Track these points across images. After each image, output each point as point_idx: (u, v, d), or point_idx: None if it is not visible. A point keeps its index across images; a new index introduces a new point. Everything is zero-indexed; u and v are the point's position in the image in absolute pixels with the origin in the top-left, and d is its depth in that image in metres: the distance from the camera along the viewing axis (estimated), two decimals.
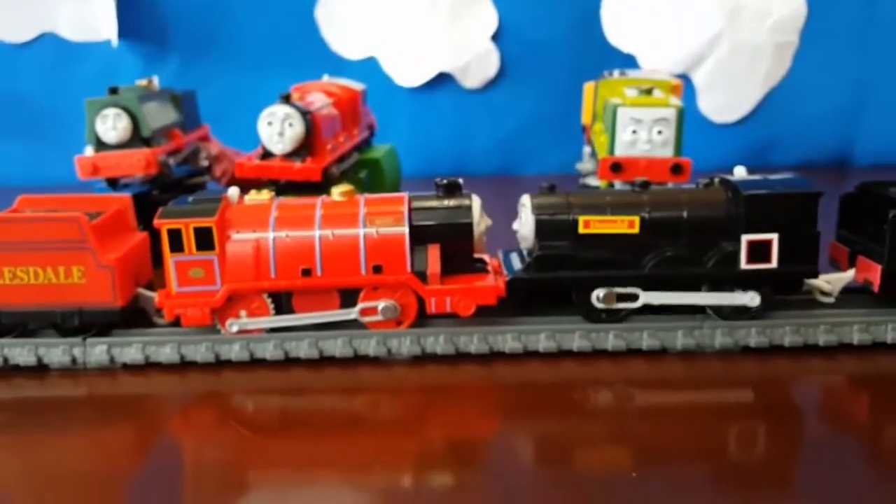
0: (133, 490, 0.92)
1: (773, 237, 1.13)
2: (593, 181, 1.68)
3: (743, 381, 1.11)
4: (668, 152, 1.45)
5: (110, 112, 1.47)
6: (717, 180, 1.18)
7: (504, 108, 2.44)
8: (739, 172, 1.19)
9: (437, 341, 1.16)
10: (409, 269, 1.15)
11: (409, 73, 2.41)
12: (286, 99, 1.45)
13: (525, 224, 1.18)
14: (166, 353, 1.16)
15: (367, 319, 1.17)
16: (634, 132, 1.43)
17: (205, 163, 1.76)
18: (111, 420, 1.06)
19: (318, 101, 1.56)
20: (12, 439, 1.03)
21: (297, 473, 0.93)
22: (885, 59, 2.32)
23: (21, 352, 1.17)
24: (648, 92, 1.50)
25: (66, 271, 1.15)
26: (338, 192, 1.19)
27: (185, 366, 1.17)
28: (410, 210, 1.16)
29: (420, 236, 1.16)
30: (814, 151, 2.37)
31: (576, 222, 1.15)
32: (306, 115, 1.44)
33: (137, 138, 1.48)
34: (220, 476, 0.93)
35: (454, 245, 1.17)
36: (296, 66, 2.05)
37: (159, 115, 1.57)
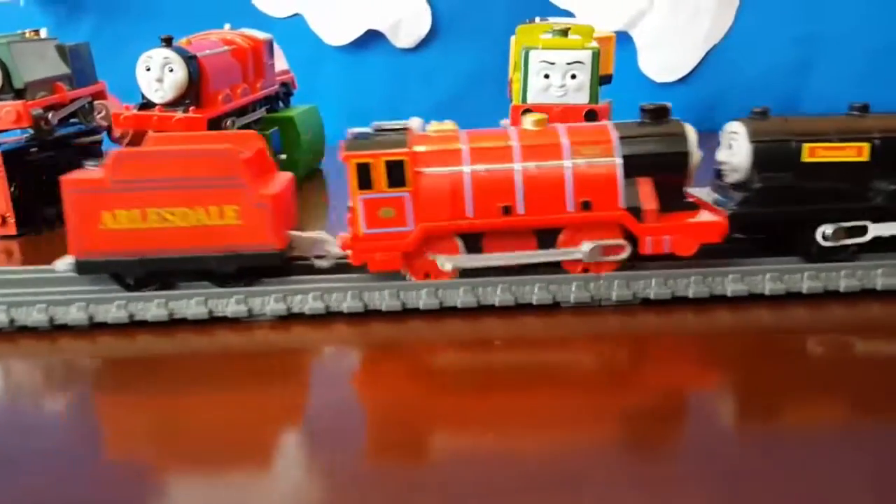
0: (313, 444, 0.81)
1: None
2: None
3: None
4: (582, 98, 1.34)
5: None
6: None
7: (439, 68, 2.31)
8: None
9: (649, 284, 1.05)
10: (621, 204, 1.03)
11: (336, 31, 2.28)
12: (167, 42, 1.35)
13: (737, 153, 1.08)
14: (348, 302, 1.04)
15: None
16: (547, 77, 1.33)
17: (103, 122, 1.65)
18: (278, 373, 0.94)
19: (209, 47, 1.45)
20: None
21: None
22: (830, 13, 2.27)
23: (189, 304, 1.04)
24: (564, 34, 1.40)
25: (219, 211, 1.02)
26: (531, 120, 1.06)
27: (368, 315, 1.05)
28: (619, 139, 1.04)
29: (631, 168, 1.03)
30: None
31: (799, 150, 1.06)
32: (191, 59, 1.33)
33: (9, 89, 1.37)
34: (403, 432, 0.82)
35: (666, 178, 1.05)
36: (218, 24, 1.92)
37: (38, 67, 1.44)
